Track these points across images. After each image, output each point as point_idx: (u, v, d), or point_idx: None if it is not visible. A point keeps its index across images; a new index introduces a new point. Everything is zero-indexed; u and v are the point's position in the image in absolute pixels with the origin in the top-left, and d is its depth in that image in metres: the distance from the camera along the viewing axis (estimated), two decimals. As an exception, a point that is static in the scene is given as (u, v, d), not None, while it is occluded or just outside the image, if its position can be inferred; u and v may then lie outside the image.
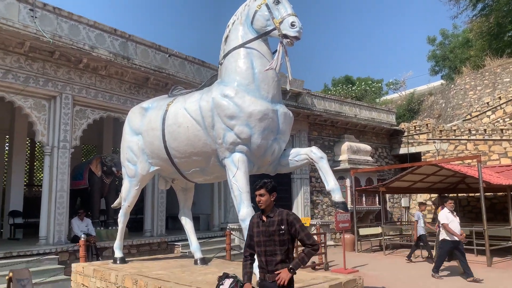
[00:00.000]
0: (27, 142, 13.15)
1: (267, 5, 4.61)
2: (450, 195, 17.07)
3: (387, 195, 18.57)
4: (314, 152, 4.73)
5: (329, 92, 34.53)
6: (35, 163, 14.92)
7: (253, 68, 4.69)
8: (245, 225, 4.52)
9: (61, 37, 8.75)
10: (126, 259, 6.40)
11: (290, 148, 5.07)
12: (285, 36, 4.46)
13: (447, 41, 33.39)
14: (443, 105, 25.27)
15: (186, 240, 6.68)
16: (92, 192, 10.64)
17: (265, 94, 4.67)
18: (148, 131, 5.49)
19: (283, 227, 3.28)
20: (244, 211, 4.54)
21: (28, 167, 14.45)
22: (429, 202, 18.20)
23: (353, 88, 33.65)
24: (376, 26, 78.08)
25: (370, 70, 78.06)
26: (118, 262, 6.18)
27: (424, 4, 69.24)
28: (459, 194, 16.57)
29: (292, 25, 4.39)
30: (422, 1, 69.20)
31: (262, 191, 3.47)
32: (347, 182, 16.02)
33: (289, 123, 5.00)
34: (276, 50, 4.62)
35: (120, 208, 6.39)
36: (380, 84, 36.31)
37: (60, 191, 9.15)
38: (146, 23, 72.11)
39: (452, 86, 24.66)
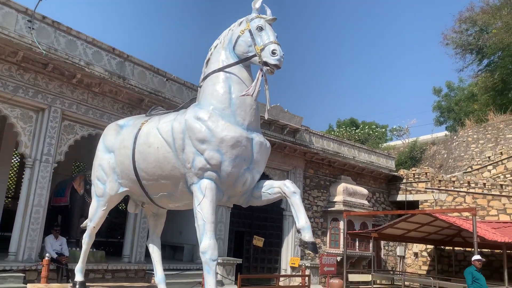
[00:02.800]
0: (17, 154, 12.97)
1: (250, 31, 4.48)
2: (446, 248, 16.53)
3: (383, 242, 18.01)
4: (288, 186, 4.45)
5: (333, 133, 34.47)
6: (23, 175, 14.66)
7: (231, 93, 4.50)
8: (205, 258, 4.19)
9: (57, 51, 8.72)
10: (86, 284, 6.01)
11: (264, 180, 4.79)
12: (265, 63, 4.29)
13: (453, 93, 33.59)
14: (445, 155, 25.01)
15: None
16: (72, 210, 10.31)
17: (240, 120, 4.46)
18: (120, 149, 5.26)
19: None
20: (206, 243, 4.22)
21: (16, 179, 14.21)
22: (424, 253, 17.59)
23: (356, 130, 33.61)
24: (383, 73, 79.19)
25: (375, 115, 78.48)
26: (77, 286, 5.79)
27: (431, 56, 70.38)
28: (456, 248, 16.01)
29: (273, 53, 4.24)
30: (429, 52, 70.40)
31: None
32: (341, 224, 15.56)
33: (265, 153, 4.74)
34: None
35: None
36: (384, 130, 36.28)
37: (37, 206, 8.86)
38: (145, 44, 73.46)
39: (455, 137, 24.50)
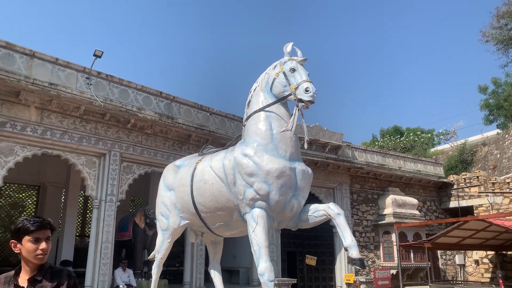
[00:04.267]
0: (81, 196, 14.18)
1: (284, 73, 5.04)
2: (508, 252, 15.93)
3: (440, 252, 17.60)
4: (332, 209, 4.87)
5: (377, 143, 34.12)
6: (88, 215, 15.90)
7: (272, 129, 5.04)
8: (263, 279, 4.67)
9: (112, 101, 9.73)
10: (158, 311, 6.63)
11: (309, 204, 5.23)
12: (300, 100, 4.81)
13: (500, 89, 32.37)
14: (498, 156, 24.11)
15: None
16: (135, 244, 11.16)
17: (282, 153, 4.97)
18: (179, 187, 5.91)
19: None
20: (263, 266, 4.71)
21: (81, 219, 15.42)
22: (485, 260, 17.00)
23: (401, 138, 33.06)
24: (424, 77, 77.31)
25: (420, 121, 76.30)
26: (151, 313, 6.41)
27: (471, 55, 68.05)
28: (518, 252, 15.40)
29: (306, 90, 4.75)
30: (469, 51, 68.13)
31: (48, 232, 2.23)
32: (393, 237, 15.47)
33: (308, 180, 5.21)
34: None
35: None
36: (430, 135, 35.42)
37: (106, 242, 9.73)
38: (189, 83, 76.60)
39: (507, 136, 23.61)
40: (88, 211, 15.88)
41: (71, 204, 12.07)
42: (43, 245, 2.16)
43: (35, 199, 15.08)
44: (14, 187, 14.82)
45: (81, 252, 12.98)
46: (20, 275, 2.18)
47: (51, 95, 8.87)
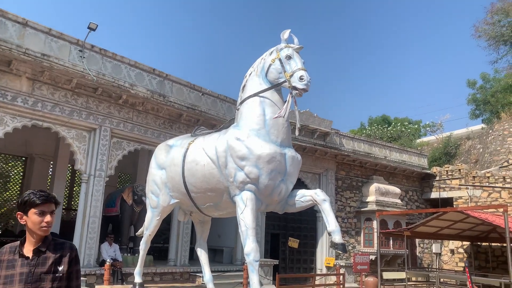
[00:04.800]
0: (69, 169, 14.17)
1: (280, 60, 5.13)
2: (483, 244, 16.52)
3: (418, 240, 18.15)
4: (318, 195, 5.06)
5: (364, 131, 34.50)
6: (74, 189, 15.93)
7: (265, 115, 5.16)
8: (249, 259, 4.86)
9: (104, 75, 9.68)
10: (144, 285, 6.81)
11: (297, 189, 5.41)
12: (295, 88, 4.92)
13: (488, 85, 32.86)
14: (481, 150, 24.66)
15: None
16: (122, 219, 11.27)
17: (274, 138, 5.11)
18: (170, 166, 6.02)
19: (61, 268, 2.29)
20: (250, 246, 4.89)
21: (68, 192, 15.44)
22: (460, 250, 17.61)
23: (389, 128, 33.49)
24: (415, 68, 77.73)
25: (408, 111, 77.10)
26: (137, 287, 6.59)
27: (462, 49, 68.51)
28: (492, 244, 15.98)
29: (301, 78, 4.86)
30: (461, 45, 68.55)
31: (52, 206, 2.34)
32: (374, 224, 15.89)
33: (297, 166, 5.37)
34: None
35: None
36: (417, 126, 35.93)
37: (93, 216, 9.82)
38: (182, 61, 75.81)
39: (491, 131, 24.14)
40: (75, 185, 15.90)
41: (59, 177, 12.07)
42: (48, 218, 2.28)
43: (21, 170, 15.03)
44: (0, 157, 14.73)
45: (67, 225, 13.05)
46: (25, 245, 2.30)
47: (43, 66, 8.79)
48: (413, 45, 77.10)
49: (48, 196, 2.32)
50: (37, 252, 2.26)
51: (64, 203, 14.48)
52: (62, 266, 2.29)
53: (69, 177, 15.38)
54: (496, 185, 16.85)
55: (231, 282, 11.10)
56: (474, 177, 17.55)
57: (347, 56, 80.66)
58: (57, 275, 2.26)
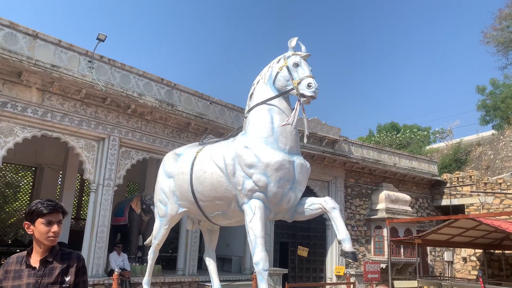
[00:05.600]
0: (78, 179, 14.24)
1: (287, 68, 5.11)
2: (496, 251, 16.23)
3: (429, 248, 17.89)
4: (327, 202, 5.00)
5: (373, 138, 34.31)
6: (83, 198, 16.00)
7: (273, 123, 5.13)
8: (258, 268, 4.80)
9: (113, 85, 9.75)
10: (153, 295, 6.78)
11: (306, 197, 5.35)
12: (302, 95, 4.90)
13: (498, 91, 32.56)
14: (492, 156, 24.37)
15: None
16: (130, 228, 11.26)
17: (282, 146, 5.07)
18: (179, 175, 6.00)
19: (67, 278, 2.26)
20: (258, 256, 4.83)
21: (76, 201, 15.51)
22: (473, 258, 17.31)
23: (397, 135, 33.27)
24: (423, 75, 77.33)
25: (417, 118, 76.56)
26: (145, 296, 6.55)
27: (471, 55, 68.13)
28: (506, 251, 15.68)
29: (309, 86, 4.83)
30: (469, 52, 68.19)
31: (60, 216, 2.34)
32: (384, 232, 15.71)
33: (306, 174, 5.32)
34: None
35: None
36: (426, 133, 35.66)
37: (102, 226, 9.83)
38: (191, 70, 76.40)
39: (501, 137, 23.85)
40: (84, 194, 15.97)
41: (68, 186, 12.13)
42: (55, 227, 2.26)
43: (31, 179, 15.15)
44: (10, 167, 14.88)
45: (75, 235, 13.08)
46: (32, 255, 2.29)
47: (53, 77, 8.88)
48: (421, 52, 76.87)
49: (55, 205, 2.30)
50: (44, 262, 2.24)
51: (73, 213, 14.55)
52: (69, 277, 2.27)
53: (78, 187, 15.46)
54: (508, 191, 16.58)
55: (239, 291, 11.02)
56: (485, 183, 17.30)
57: (355, 63, 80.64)
58: (64, 285, 2.24)
